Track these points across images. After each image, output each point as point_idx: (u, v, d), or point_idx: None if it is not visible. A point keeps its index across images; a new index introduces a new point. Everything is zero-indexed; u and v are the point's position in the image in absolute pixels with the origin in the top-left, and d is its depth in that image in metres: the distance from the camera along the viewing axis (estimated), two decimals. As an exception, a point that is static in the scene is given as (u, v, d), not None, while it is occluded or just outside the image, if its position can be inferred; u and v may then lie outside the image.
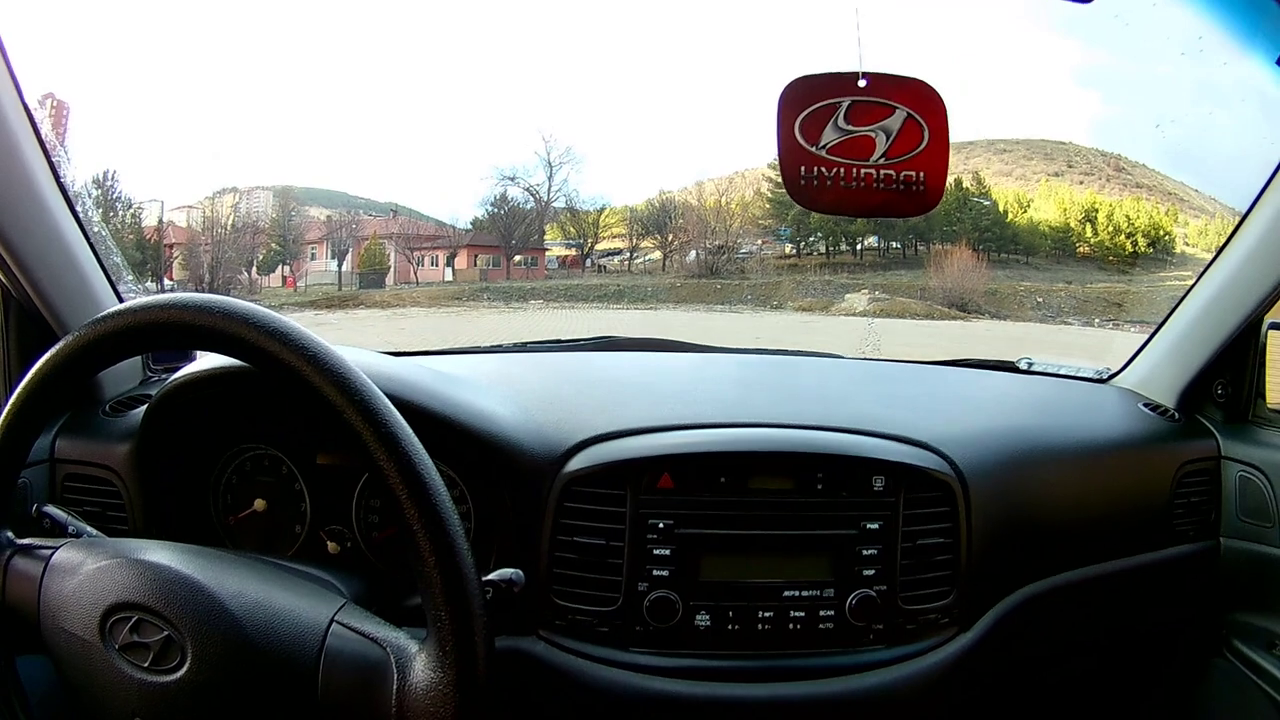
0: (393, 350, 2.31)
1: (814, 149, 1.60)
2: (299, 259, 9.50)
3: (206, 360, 1.75)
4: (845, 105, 1.58)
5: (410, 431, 1.13)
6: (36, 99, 1.82)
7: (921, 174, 1.61)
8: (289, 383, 1.14)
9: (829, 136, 1.59)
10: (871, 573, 1.74)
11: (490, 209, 10.45)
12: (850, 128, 1.59)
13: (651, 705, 1.71)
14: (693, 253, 10.50)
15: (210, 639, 1.14)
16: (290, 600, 1.20)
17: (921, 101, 1.59)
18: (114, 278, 2.07)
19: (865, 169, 1.61)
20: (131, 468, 1.82)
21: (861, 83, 1.58)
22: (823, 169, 1.61)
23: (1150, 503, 2.17)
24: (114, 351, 1.24)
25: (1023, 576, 1.96)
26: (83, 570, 1.23)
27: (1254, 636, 2.21)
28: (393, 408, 1.13)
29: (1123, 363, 2.54)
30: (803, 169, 1.61)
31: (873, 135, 1.59)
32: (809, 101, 1.59)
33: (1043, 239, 10.38)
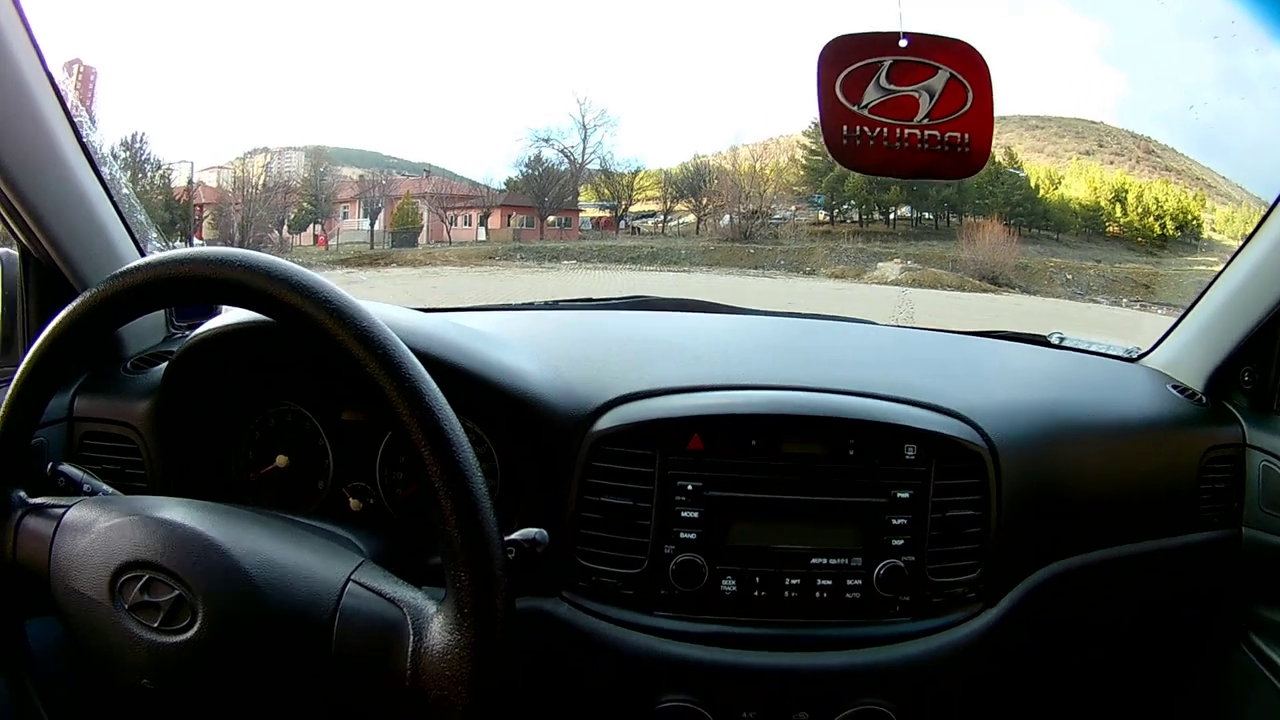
0: (426, 307, 2.30)
1: (856, 108, 1.58)
2: (331, 218, 9.59)
3: (229, 315, 1.74)
4: (887, 65, 1.56)
5: (434, 386, 1.12)
6: (63, 65, 1.82)
7: (966, 135, 1.58)
8: (311, 336, 1.13)
9: (871, 96, 1.57)
10: (900, 543, 1.72)
11: (524, 170, 10.55)
12: (893, 87, 1.57)
13: (674, 670, 1.70)
14: (726, 217, 10.56)
15: (222, 598, 1.14)
16: (306, 558, 1.19)
17: (964, 62, 1.57)
18: (138, 236, 2.07)
19: (909, 129, 1.58)
20: (151, 425, 1.81)
21: (903, 42, 1.55)
22: (865, 129, 1.59)
23: (1176, 486, 2.15)
24: (133, 306, 1.23)
25: (1049, 553, 1.95)
26: (94, 528, 1.22)
27: (1272, 632, 2.20)
28: (417, 362, 1.12)
29: (1152, 343, 2.51)
30: (845, 128, 1.59)
31: (916, 95, 1.57)
32: (849, 61, 1.57)
33: (1073, 216, 10.40)
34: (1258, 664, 2.19)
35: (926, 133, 1.58)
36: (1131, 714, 2.52)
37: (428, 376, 1.12)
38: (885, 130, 1.59)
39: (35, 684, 1.33)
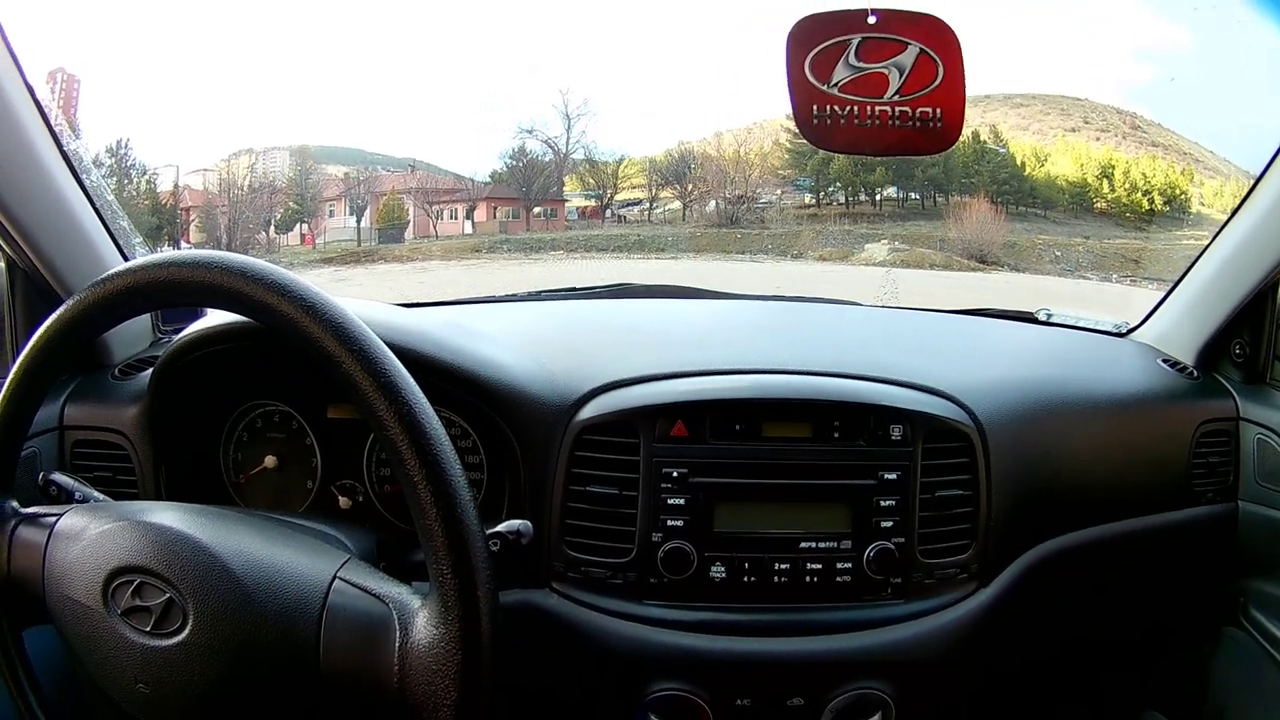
0: (409, 302, 2.33)
1: (825, 87, 1.57)
2: (317, 217, 9.57)
3: (213, 318, 1.73)
4: (855, 42, 1.55)
5: (411, 380, 1.12)
6: (45, 74, 1.82)
7: (938, 110, 1.58)
8: (288, 335, 1.13)
9: (840, 74, 1.56)
10: (890, 525, 1.72)
11: (509, 162, 10.52)
12: (862, 65, 1.56)
13: (667, 659, 1.71)
14: (712, 202, 10.55)
15: (211, 600, 1.14)
16: (293, 558, 1.19)
17: (934, 37, 1.55)
18: (121, 241, 2.07)
19: (880, 106, 1.58)
20: (141, 430, 1.82)
21: (871, 19, 1.54)
22: (835, 107, 1.58)
23: (1169, 461, 2.14)
24: (115, 312, 1.24)
25: (1042, 531, 1.94)
26: (86, 535, 1.23)
27: (1271, 606, 2.19)
28: (393, 357, 1.13)
29: (1141, 318, 2.51)
30: (815, 108, 1.59)
31: (885, 72, 1.56)
32: (818, 39, 1.56)
33: (1060, 193, 10.40)
34: (1257, 638, 2.19)
35: (897, 109, 1.57)
36: (1128, 692, 2.51)
37: (404, 371, 1.12)
38: (855, 108, 1.58)
39: (36, 693, 1.35)
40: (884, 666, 1.73)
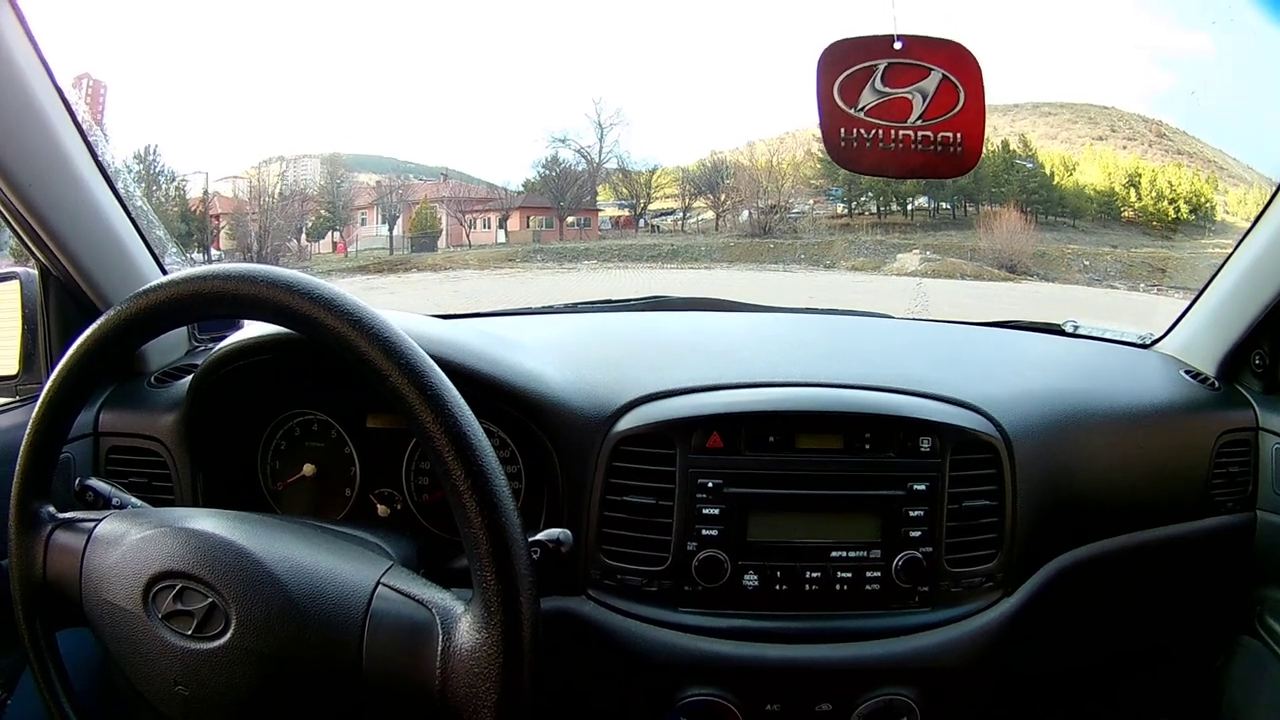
0: (444, 313, 2.33)
1: (853, 111, 1.61)
2: (349, 225, 9.60)
3: (252, 328, 1.76)
4: (882, 67, 1.59)
5: (455, 392, 1.14)
6: (71, 80, 1.82)
7: (959, 135, 1.62)
8: (334, 348, 1.15)
9: (867, 98, 1.61)
10: (918, 534, 1.74)
11: (542, 171, 10.54)
12: (888, 89, 1.60)
13: (699, 665, 1.72)
14: (745, 212, 10.57)
15: (254, 604, 1.15)
16: (336, 564, 1.21)
17: (957, 63, 1.60)
18: (157, 251, 2.08)
19: (904, 130, 1.62)
20: (178, 437, 1.84)
21: (897, 45, 1.59)
22: (862, 130, 1.62)
23: (1190, 471, 2.15)
24: (158, 324, 1.26)
25: (1065, 541, 1.96)
26: (126, 541, 1.25)
27: None
28: (438, 369, 1.14)
29: (1165, 328, 2.51)
30: (843, 131, 1.63)
31: (910, 97, 1.60)
32: (847, 64, 1.60)
33: (1088, 202, 10.39)
34: (1272, 646, 2.20)
35: (920, 133, 1.62)
36: (1144, 699, 2.53)
37: (449, 384, 1.14)
38: (881, 132, 1.62)
39: (68, 694, 1.36)
40: (911, 673, 1.75)
